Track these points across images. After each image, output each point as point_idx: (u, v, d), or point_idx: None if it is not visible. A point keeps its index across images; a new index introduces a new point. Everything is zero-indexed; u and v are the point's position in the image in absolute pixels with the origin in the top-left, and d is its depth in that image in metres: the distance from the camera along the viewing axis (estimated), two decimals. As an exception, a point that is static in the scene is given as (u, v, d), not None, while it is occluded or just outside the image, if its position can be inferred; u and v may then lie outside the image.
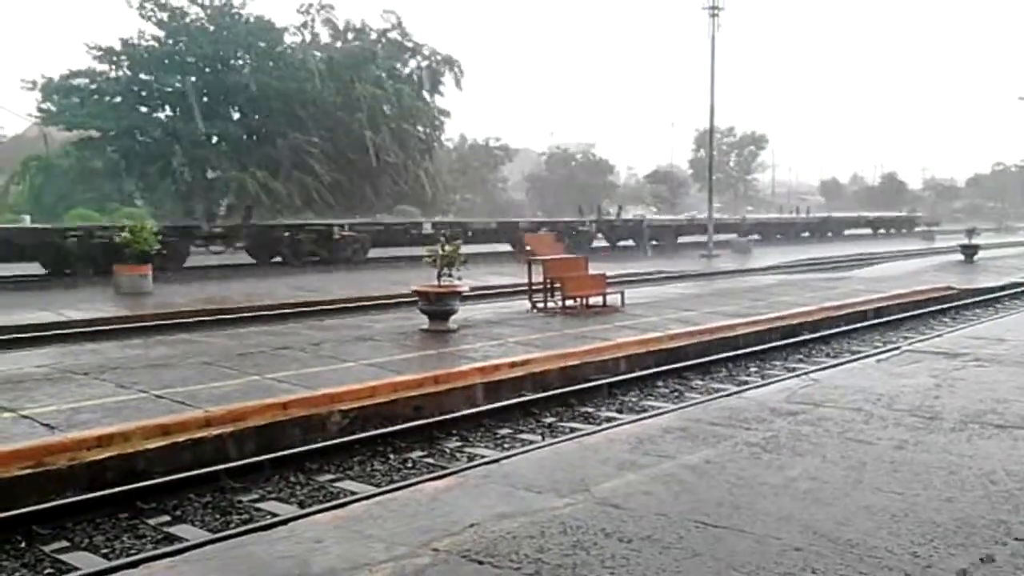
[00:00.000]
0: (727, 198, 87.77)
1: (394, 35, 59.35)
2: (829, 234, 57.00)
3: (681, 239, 43.37)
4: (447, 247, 13.42)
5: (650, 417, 8.55)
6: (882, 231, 64.94)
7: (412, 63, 60.50)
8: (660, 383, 11.35)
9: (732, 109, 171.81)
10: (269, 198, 47.59)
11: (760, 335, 14.37)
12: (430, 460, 8.19)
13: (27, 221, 30.05)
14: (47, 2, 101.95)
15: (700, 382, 11.56)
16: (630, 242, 40.87)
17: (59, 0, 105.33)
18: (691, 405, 9.31)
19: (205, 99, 52.20)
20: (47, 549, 6.15)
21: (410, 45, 59.71)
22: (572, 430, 9.02)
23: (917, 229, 64.28)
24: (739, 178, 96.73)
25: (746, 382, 11.39)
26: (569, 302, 15.71)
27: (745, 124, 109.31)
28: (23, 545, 6.20)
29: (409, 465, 8.05)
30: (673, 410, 8.96)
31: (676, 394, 10.91)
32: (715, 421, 7.33)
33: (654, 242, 40.05)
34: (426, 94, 60.23)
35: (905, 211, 75.65)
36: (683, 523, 4.94)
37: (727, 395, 9.62)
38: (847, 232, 60.16)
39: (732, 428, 7.07)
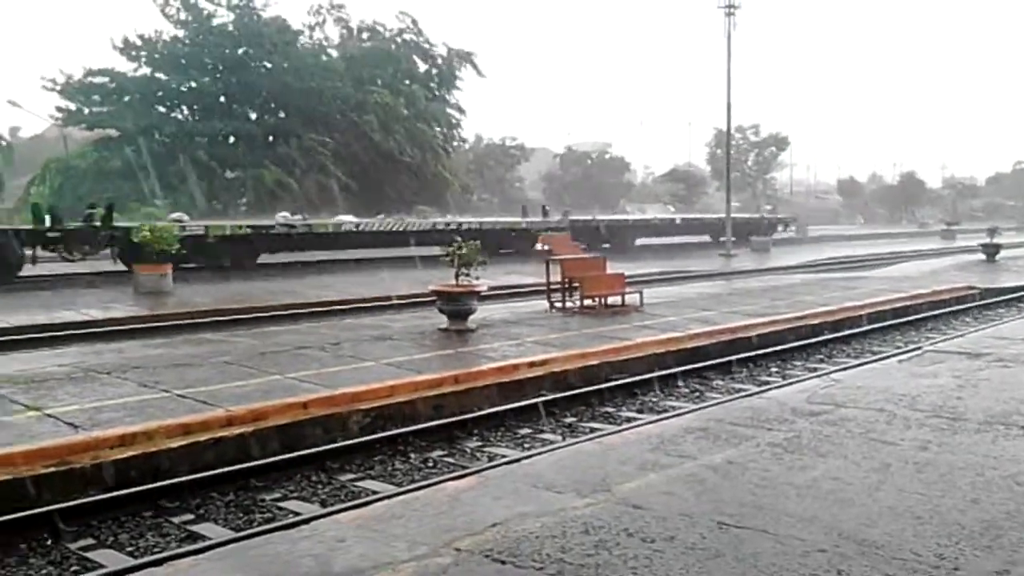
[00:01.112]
0: (745, 197, 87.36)
1: (409, 36, 59.44)
2: (604, 245, 36.63)
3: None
4: (464, 247, 13.46)
5: (671, 417, 8.54)
6: (690, 239, 46.69)
7: (427, 63, 60.57)
8: (680, 383, 11.32)
9: (750, 107, 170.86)
10: (288, 196, 47.77)
11: (780, 335, 14.32)
12: (451, 459, 8.21)
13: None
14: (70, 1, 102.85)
15: (721, 382, 11.53)
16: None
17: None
18: (712, 405, 9.29)
19: (222, 99, 52.52)
20: (73, 547, 6.20)
21: (426, 46, 59.81)
22: (592, 430, 9.02)
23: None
24: (758, 177, 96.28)
25: (767, 382, 11.34)
26: (588, 302, 15.71)
27: (763, 122, 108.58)
28: (49, 543, 6.25)
29: (430, 464, 8.06)
30: (694, 410, 8.95)
31: (697, 394, 10.88)
32: (736, 421, 7.30)
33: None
34: (442, 93, 60.33)
35: (764, 212, 56.37)
36: (706, 523, 4.92)
37: (748, 395, 9.59)
38: (641, 242, 40.97)
39: (754, 428, 7.04)
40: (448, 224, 34.17)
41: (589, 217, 41.01)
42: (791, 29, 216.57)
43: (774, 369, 12.43)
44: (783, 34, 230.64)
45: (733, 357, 12.62)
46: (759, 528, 4.83)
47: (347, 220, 32.41)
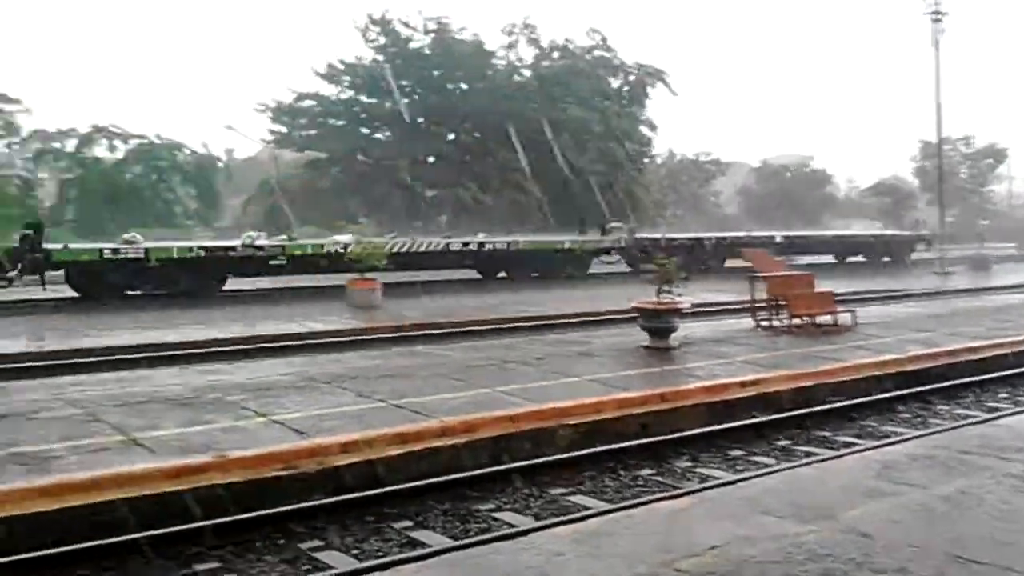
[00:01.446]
0: (958, 211, 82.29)
1: (599, 52, 59.64)
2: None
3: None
4: (667, 264, 13.40)
5: (893, 443, 8.15)
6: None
7: (618, 79, 60.59)
8: (901, 407, 10.75)
9: (961, 117, 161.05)
10: (484, 213, 48.96)
11: (1008, 359, 13.36)
12: (660, 479, 8.11)
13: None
14: (281, 30, 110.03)
15: (944, 407, 10.86)
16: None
17: (292, 27, 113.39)
18: (937, 432, 8.81)
19: (421, 120, 54.47)
20: (303, 547, 6.51)
21: (616, 62, 59.85)
22: (808, 454, 8.71)
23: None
24: (973, 190, 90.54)
25: (997, 408, 10.61)
26: (795, 320, 15.22)
27: (976, 132, 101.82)
28: (281, 542, 6.61)
29: (639, 483, 8.00)
30: (917, 436, 8.51)
31: (919, 419, 10.29)
32: (966, 449, 6.89)
33: None
34: (633, 110, 60.21)
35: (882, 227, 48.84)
36: (940, 556, 4.66)
37: (977, 422, 9.03)
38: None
39: (986, 457, 6.62)
40: (466, 244, 30.00)
41: (658, 235, 36.15)
42: (1004, 33, 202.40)
43: (1003, 395, 11.59)
44: (995, 39, 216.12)
45: (957, 381, 11.93)
46: (1002, 565, 4.53)
47: (342, 239, 28.05)
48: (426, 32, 55.17)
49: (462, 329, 16.54)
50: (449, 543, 6.39)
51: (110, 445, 7.90)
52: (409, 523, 6.97)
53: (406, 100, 54.51)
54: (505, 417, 8.94)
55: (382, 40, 54.61)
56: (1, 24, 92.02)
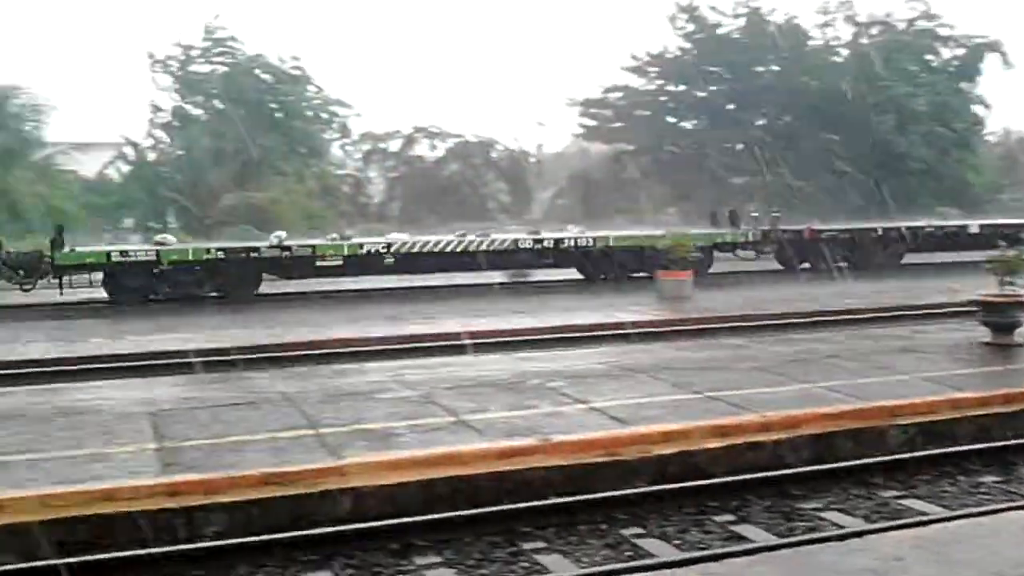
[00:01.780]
0: None
1: (923, 24, 55.38)
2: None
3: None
4: (1010, 254, 12.34)
5: None
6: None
7: (946, 53, 56.01)
8: None
9: None
10: (797, 200, 47.19)
11: None
12: (1006, 487, 7.50)
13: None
14: (592, 26, 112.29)
15: None
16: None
17: (603, 23, 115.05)
18: None
19: (731, 106, 53.47)
20: (625, 533, 6.64)
21: (942, 33, 55.32)
22: None
23: None
24: None
25: None
26: None
27: None
28: (604, 527, 6.78)
29: (982, 490, 7.44)
30: None
31: None
32: None
33: None
34: (963, 85, 55.44)
35: None
36: None
37: None
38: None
39: None
40: (539, 241, 25.65)
41: (800, 227, 29.63)
42: None
43: None
44: None
45: None
46: None
47: (399, 238, 25.70)
48: (735, 16, 54.07)
49: (774, 322, 16.04)
50: (775, 540, 6.27)
51: (443, 425, 8.50)
52: (730, 517, 6.91)
53: (714, 87, 53.77)
54: (829, 414, 8.64)
55: (690, 27, 54.18)
56: (334, 37, 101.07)
